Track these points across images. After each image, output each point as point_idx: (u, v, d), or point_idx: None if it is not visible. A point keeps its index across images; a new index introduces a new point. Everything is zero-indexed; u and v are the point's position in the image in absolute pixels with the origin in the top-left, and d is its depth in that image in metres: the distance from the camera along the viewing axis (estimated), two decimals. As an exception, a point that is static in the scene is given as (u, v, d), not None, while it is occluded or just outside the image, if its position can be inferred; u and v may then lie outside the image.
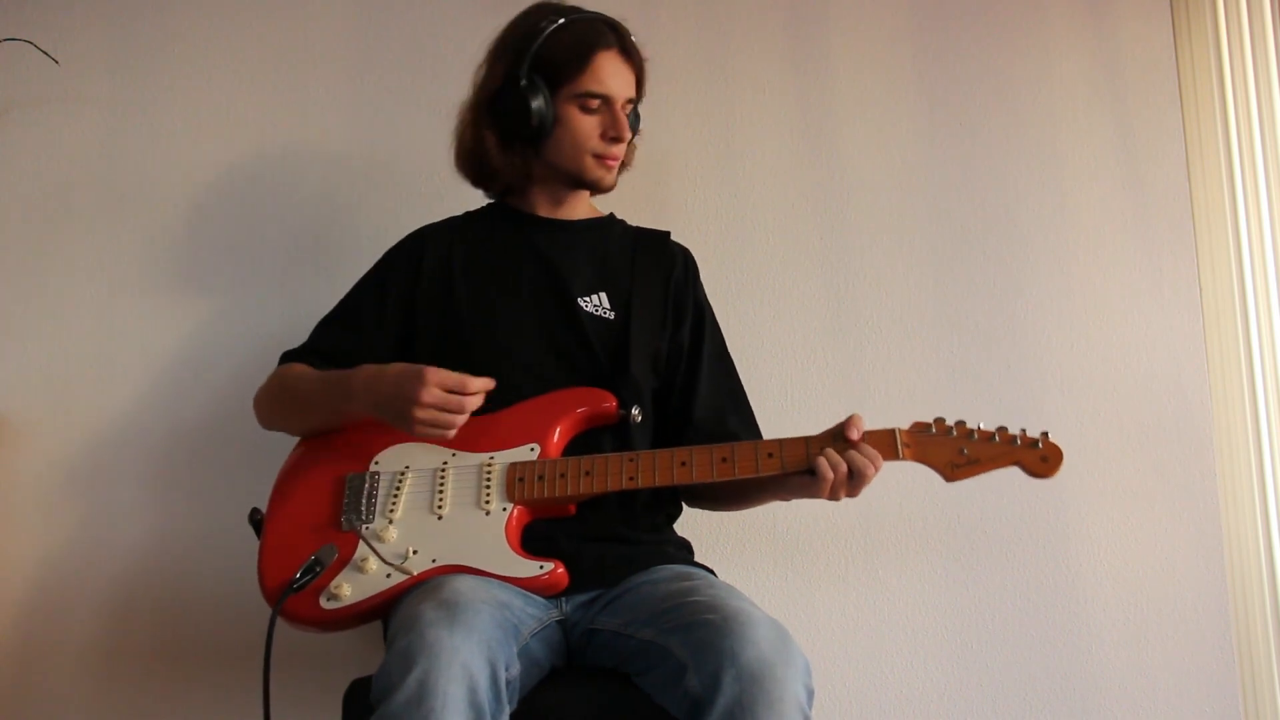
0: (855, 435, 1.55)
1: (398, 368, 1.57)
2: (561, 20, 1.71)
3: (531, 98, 1.69)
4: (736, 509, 1.84)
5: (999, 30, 2.31)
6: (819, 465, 1.53)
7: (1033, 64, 2.30)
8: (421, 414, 1.52)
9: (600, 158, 1.73)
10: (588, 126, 1.71)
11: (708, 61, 2.26)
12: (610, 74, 1.71)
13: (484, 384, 1.55)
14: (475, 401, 1.54)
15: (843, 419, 1.57)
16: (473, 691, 1.26)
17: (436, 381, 1.52)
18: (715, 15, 2.28)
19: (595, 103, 1.71)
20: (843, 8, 2.30)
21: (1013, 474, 1.56)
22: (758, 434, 1.79)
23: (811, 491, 1.56)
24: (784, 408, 2.14)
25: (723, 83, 2.26)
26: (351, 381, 1.61)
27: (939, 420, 1.58)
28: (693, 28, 2.26)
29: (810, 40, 2.29)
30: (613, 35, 1.72)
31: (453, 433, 1.55)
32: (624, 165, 1.81)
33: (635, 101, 1.77)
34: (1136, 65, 2.30)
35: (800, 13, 2.29)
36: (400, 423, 1.55)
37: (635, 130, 1.81)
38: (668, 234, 1.88)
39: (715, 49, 2.27)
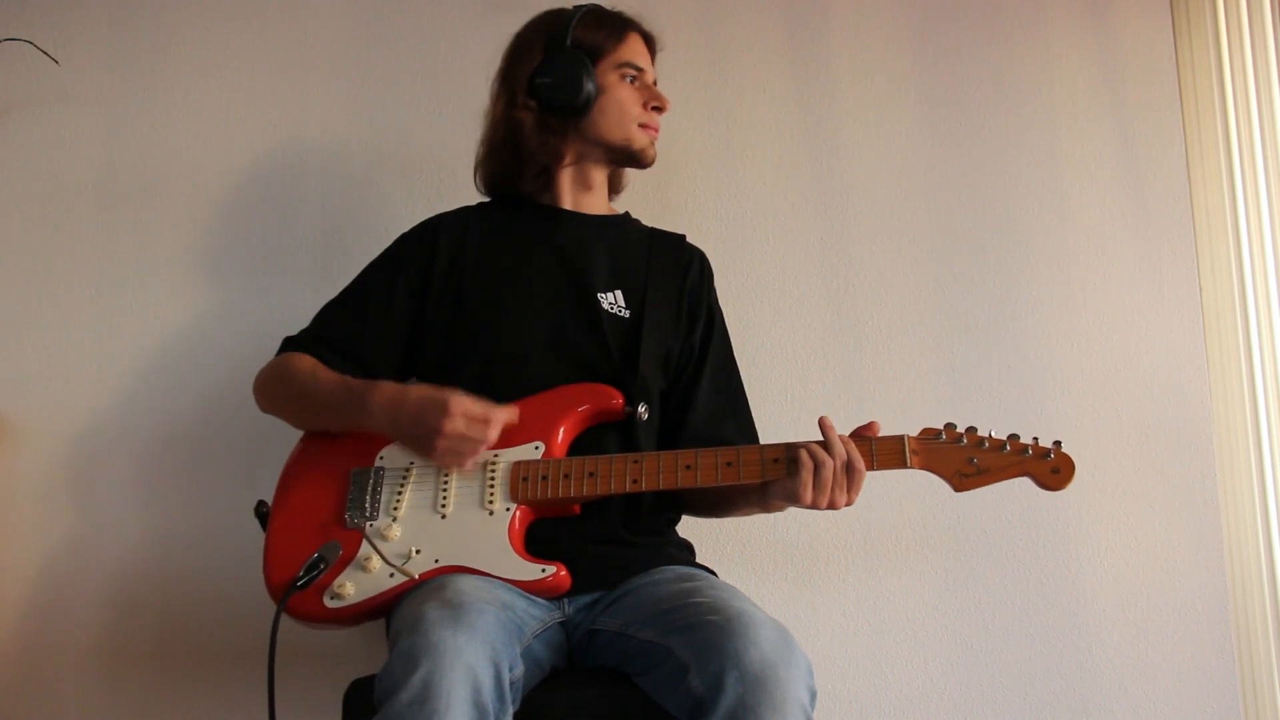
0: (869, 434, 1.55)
1: (420, 393, 1.54)
2: (587, 7, 1.79)
3: (579, 65, 1.72)
4: (717, 516, 1.79)
5: (999, 31, 2.31)
6: (800, 454, 1.50)
7: (1033, 64, 2.30)
8: (444, 444, 1.51)
9: (645, 127, 1.78)
10: (632, 94, 1.77)
11: (708, 61, 2.26)
12: (642, 52, 1.79)
13: (508, 416, 1.54)
14: (496, 433, 1.52)
15: (839, 419, 1.54)
16: (476, 692, 1.26)
17: (461, 412, 1.50)
18: (715, 15, 2.28)
19: (634, 73, 1.77)
20: (843, 8, 2.30)
21: (1014, 476, 1.54)
22: (755, 441, 1.75)
23: (791, 488, 1.51)
24: (784, 408, 2.13)
25: (723, 83, 2.26)
26: (370, 399, 1.57)
27: (949, 426, 1.53)
28: (693, 28, 2.26)
29: (810, 40, 2.29)
30: (636, 23, 1.81)
31: (473, 462, 1.54)
32: None
33: None
34: (1136, 65, 2.30)
35: (800, 13, 2.29)
36: (420, 450, 1.55)
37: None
38: (684, 236, 1.87)
39: (715, 49, 2.27)
